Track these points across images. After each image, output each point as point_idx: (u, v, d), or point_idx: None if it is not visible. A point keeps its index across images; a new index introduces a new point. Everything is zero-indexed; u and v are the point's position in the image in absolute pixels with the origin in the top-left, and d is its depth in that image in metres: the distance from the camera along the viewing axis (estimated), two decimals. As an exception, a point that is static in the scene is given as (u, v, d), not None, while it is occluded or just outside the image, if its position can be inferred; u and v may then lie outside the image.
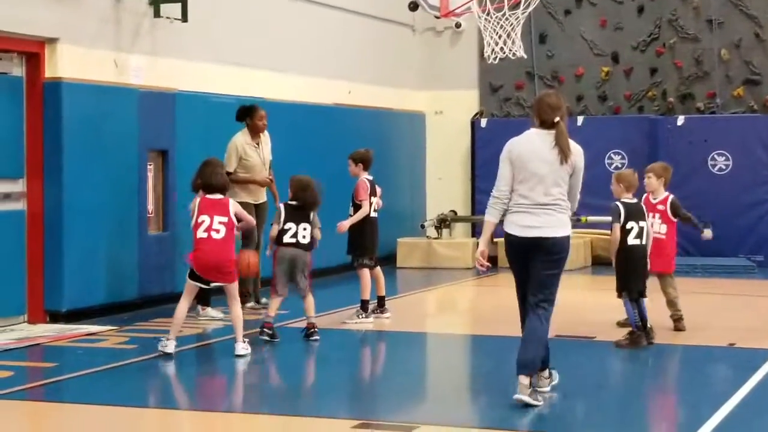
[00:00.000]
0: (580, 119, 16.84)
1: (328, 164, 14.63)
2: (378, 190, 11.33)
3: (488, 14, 14.15)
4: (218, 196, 9.20)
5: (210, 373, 9.03)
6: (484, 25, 14.20)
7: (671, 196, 10.34)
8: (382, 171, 16.35)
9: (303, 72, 14.68)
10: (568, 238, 7.29)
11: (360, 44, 16.13)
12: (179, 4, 11.86)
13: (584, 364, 9.19)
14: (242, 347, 9.09)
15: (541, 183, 7.20)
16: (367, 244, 11.01)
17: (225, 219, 9.08)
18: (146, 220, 11.63)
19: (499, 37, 14.25)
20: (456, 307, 13.41)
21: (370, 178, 11.22)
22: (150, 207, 11.73)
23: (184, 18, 11.91)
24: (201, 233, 9.06)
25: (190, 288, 9.16)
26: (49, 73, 10.76)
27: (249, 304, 11.58)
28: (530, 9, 14.19)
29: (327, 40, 15.31)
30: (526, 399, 7.06)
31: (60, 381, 8.28)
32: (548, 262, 7.20)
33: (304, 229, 9.86)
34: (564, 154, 7.19)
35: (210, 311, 11.18)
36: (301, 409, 7.31)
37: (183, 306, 9.15)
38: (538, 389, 7.34)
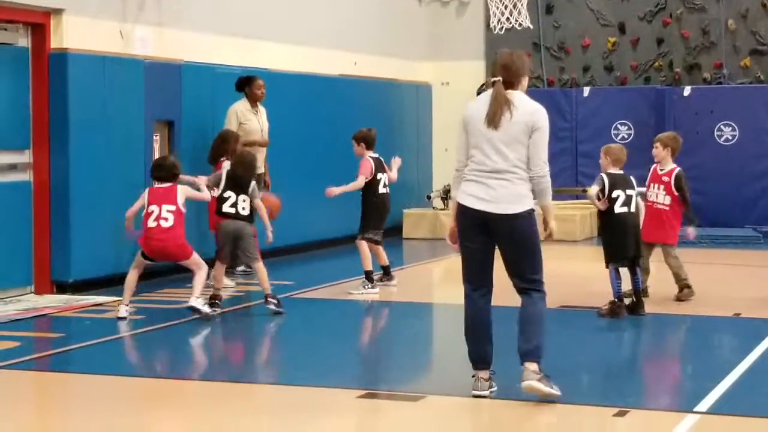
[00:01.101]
0: (586, 90, 16.81)
1: (334, 135, 14.63)
2: (396, 161, 11.52)
3: (494, -16, 14.10)
4: (167, 184, 9.46)
5: (218, 343, 9.06)
6: (491, -5, 14.16)
7: (677, 169, 10.30)
8: (389, 142, 16.34)
9: (309, 43, 14.65)
10: (526, 214, 6.54)
11: (366, 15, 16.08)
12: (185, -25, 11.84)
13: (588, 335, 9.21)
14: (195, 300, 9.33)
15: (493, 147, 6.48)
16: (373, 219, 11.04)
17: (173, 207, 9.36)
18: (152, 191, 11.62)
19: (505, 7, 14.21)
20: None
21: (375, 155, 11.24)
22: (156, 178, 11.72)
23: (190, -11, 11.90)
24: (151, 222, 9.39)
25: (140, 262, 9.52)
26: (54, 44, 10.74)
27: (240, 268, 11.73)
28: (537, -21, 14.14)
29: (333, 11, 15.26)
30: (537, 385, 6.52)
31: (67, 351, 8.32)
32: (511, 243, 6.56)
33: (244, 200, 9.80)
34: (490, 117, 6.47)
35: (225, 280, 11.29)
36: (306, 379, 7.33)
37: (133, 275, 9.49)
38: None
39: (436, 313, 10.83)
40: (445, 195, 16.86)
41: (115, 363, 7.94)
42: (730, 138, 16.14)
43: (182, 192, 9.46)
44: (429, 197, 16.94)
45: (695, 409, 6.43)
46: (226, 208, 9.80)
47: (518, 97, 6.58)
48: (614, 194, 9.55)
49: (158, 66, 11.72)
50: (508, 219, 6.51)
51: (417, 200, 16.82)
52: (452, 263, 13.88)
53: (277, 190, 12.60)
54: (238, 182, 9.81)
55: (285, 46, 14.12)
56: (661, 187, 10.25)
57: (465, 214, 6.61)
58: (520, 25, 14.36)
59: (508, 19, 14.30)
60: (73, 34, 10.82)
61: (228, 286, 11.09)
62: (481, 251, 6.64)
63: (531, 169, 6.51)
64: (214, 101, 12.32)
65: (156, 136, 11.75)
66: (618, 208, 9.55)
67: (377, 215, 11.13)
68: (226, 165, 10.38)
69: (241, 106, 11.99)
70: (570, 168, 16.90)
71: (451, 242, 6.90)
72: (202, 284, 9.45)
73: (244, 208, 9.80)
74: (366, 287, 10.93)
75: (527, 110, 6.54)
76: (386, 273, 11.34)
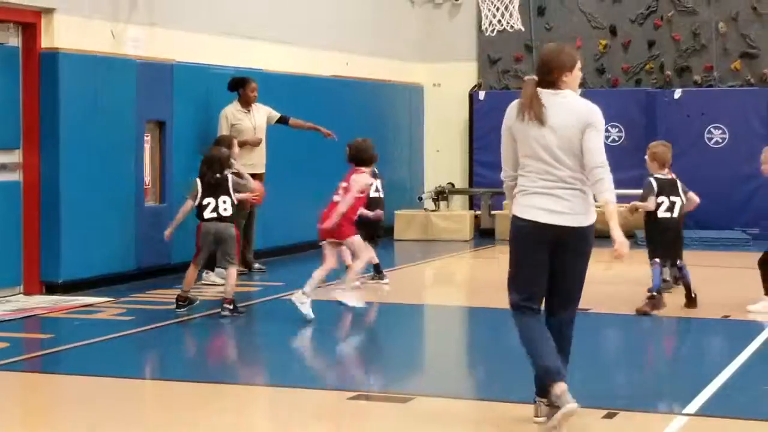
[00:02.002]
0: (578, 92, 16.84)
1: (325, 138, 14.62)
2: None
3: (486, -14, 14.11)
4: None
5: (205, 344, 9.06)
6: (482, -2, 14.17)
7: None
8: (380, 144, 16.32)
9: (301, 43, 14.65)
10: (593, 227, 5.98)
11: (358, 16, 16.09)
12: (176, -25, 11.84)
13: (579, 336, 9.21)
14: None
15: (551, 154, 5.88)
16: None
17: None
18: (143, 191, 11.63)
19: (497, 9, 14.22)
20: (453, 279, 13.44)
21: None
22: (147, 178, 11.73)
23: (182, -11, 11.90)
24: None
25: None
26: (45, 43, 10.73)
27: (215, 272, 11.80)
28: (528, -19, 14.15)
29: (325, 12, 15.27)
30: (575, 406, 5.88)
31: (56, 352, 8.31)
32: (575, 257, 5.97)
33: (224, 201, 9.79)
34: (522, 113, 5.90)
35: (213, 276, 11.43)
36: (297, 379, 7.34)
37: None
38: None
39: (426, 314, 10.84)
40: (437, 196, 16.88)
41: (104, 364, 7.93)
42: (720, 141, 16.18)
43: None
44: (420, 198, 16.95)
45: (684, 411, 6.45)
46: (208, 214, 9.77)
47: (565, 96, 5.95)
48: (659, 200, 9.82)
49: (150, 66, 11.70)
50: (582, 231, 5.92)
51: (408, 201, 16.83)
52: (443, 265, 13.91)
53: (270, 190, 12.61)
54: (211, 185, 9.78)
55: (277, 46, 14.12)
56: None
57: (530, 229, 5.91)
58: (511, 27, 14.37)
59: (499, 21, 14.31)
60: (64, 34, 10.81)
61: (217, 283, 11.16)
62: (542, 266, 6.00)
63: (586, 169, 5.85)
64: (207, 101, 12.32)
65: (147, 136, 11.74)
66: (661, 213, 9.83)
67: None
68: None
69: (232, 108, 12.08)
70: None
71: None
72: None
73: (225, 209, 9.78)
74: (375, 280, 11.39)
75: (576, 108, 5.92)
76: (378, 272, 11.46)
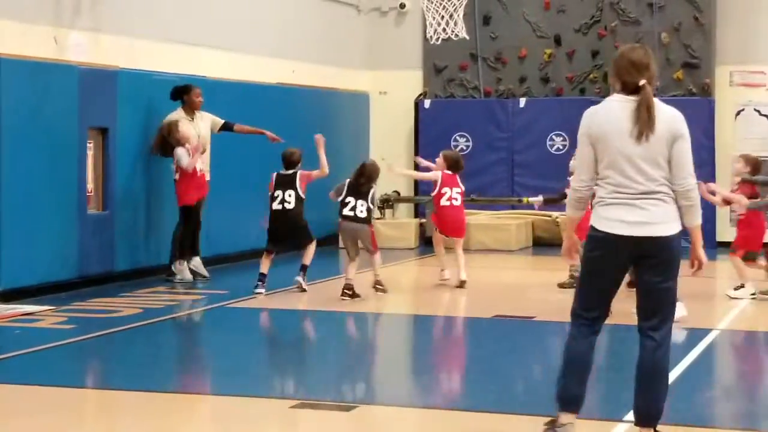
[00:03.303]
0: (522, 101, 16.95)
1: (271, 144, 14.58)
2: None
3: (431, -5, 14.16)
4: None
5: (148, 353, 8.98)
6: (427, 6, 14.20)
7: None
8: (327, 151, 16.30)
9: (246, 50, 14.61)
10: (678, 236, 5.68)
11: (304, 23, 16.07)
12: (120, -19, 11.76)
13: (523, 344, 9.27)
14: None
15: (635, 166, 5.61)
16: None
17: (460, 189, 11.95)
18: (86, 198, 11.51)
19: (442, 18, 14.27)
20: (398, 287, 13.44)
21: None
22: (90, 186, 11.62)
23: (125, -5, 11.82)
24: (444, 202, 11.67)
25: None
26: (-14, 49, 10.61)
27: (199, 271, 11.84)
28: (473, -10, 14.22)
29: (271, 19, 15.23)
30: None
31: (-4, 361, 8.21)
32: (659, 269, 5.63)
33: (362, 205, 11.04)
34: (645, 128, 5.59)
35: (185, 271, 11.80)
36: (239, 388, 7.30)
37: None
38: None
39: (369, 322, 10.84)
40: (382, 204, 16.88)
41: (45, 373, 7.84)
42: (663, 150, 16.35)
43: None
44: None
45: (625, 419, 6.49)
46: (346, 211, 11.08)
47: (656, 103, 5.72)
48: None
49: (93, 72, 11.60)
50: (663, 242, 5.62)
51: (354, 209, 16.80)
52: (388, 273, 13.91)
53: (215, 197, 12.56)
54: (358, 190, 11.09)
55: (222, 53, 14.06)
56: None
57: (607, 242, 5.65)
58: (456, 35, 14.43)
59: (444, 29, 14.36)
60: (5, 40, 10.69)
61: (185, 280, 11.71)
62: (613, 282, 5.77)
63: (676, 183, 5.63)
64: (150, 108, 12.23)
65: (90, 143, 11.63)
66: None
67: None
68: (179, 151, 11.52)
69: (176, 115, 12.03)
70: (506, 178, 17.01)
71: (570, 257, 6.08)
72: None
73: (361, 212, 11.07)
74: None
75: (666, 118, 5.69)
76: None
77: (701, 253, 5.75)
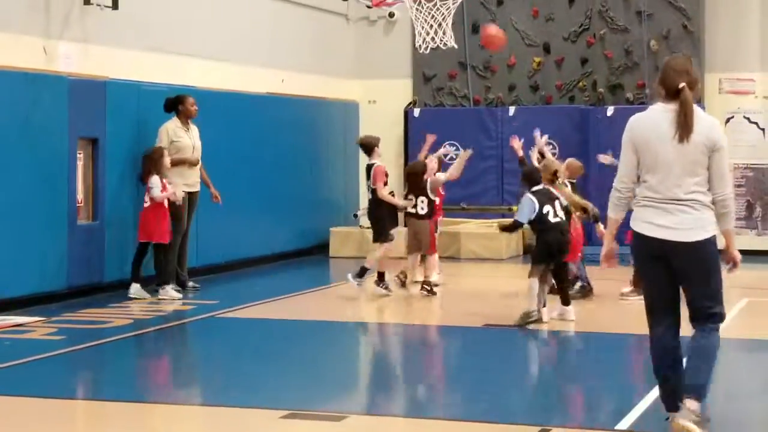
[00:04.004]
0: (512, 109, 16.97)
1: (262, 153, 14.60)
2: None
3: (419, 4, 14.17)
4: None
5: (137, 363, 8.98)
6: (416, 15, 14.22)
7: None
8: (316, 160, 16.36)
9: (236, 60, 14.61)
10: (711, 241, 5.93)
11: (294, 33, 16.09)
12: (110, -8, 11.76)
13: (513, 352, 9.28)
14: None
15: (671, 172, 5.89)
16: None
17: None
18: (75, 209, 11.50)
19: (431, 27, 14.28)
20: (388, 296, 13.44)
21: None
22: (79, 196, 11.61)
23: (115, 5, 11.82)
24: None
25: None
26: (-25, 60, 10.60)
27: (169, 286, 11.72)
28: (461, -1, 14.24)
29: (260, 29, 15.25)
30: (691, 427, 5.86)
31: (-14, 372, 8.19)
32: (691, 272, 5.95)
33: (422, 201, 11.74)
34: (683, 129, 5.83)
35: (170, 290, 11.52)
36: (229, 399, 7.29)
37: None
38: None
39: (360, 332, 10.84)
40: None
41: (35, 384, 7.82)
42: (653, 157, 16.38)
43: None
44: (356, 215, 16.94)
45: (617, 427, 6.50)
46: (409, 209, 11.87)
47: (697, 111, 5.96)
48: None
49: (82, 83, 11.60)
50: (691, 247, 5.89)
51: (344, 218, 16.83)
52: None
53: (205, 207, 12.56)
54: (416, 186, 11.82)
55: (212, 63, 14.07)
56: None
57: (642, 242, 6.01)
58: (444, 44, 14.43)
59: (433, 38, 14.38)
60: (-6, 51, 10.69)
61: (174, 298, 11.40)
62: (665, 279, 6.02)
63: (714, 192, 5.91)
64: (140, 118, 12.23)
65: (80, 153, 11.62)
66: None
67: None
68: (154, 181, 11.29)
69: (173, 124, 12.07)
70: (495, 187, 17.03)
71: (606, 263, 6.27)
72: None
73: (422, 209, 11.74)
74: (380, 286, 11.95)
75: (704, 126, 5.91)
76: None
77: (736, 252, 6.04)
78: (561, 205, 10.13)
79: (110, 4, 11.77)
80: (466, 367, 8.82)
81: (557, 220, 10.03)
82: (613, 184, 6.12)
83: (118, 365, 8.77)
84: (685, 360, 6.07)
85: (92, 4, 11.68)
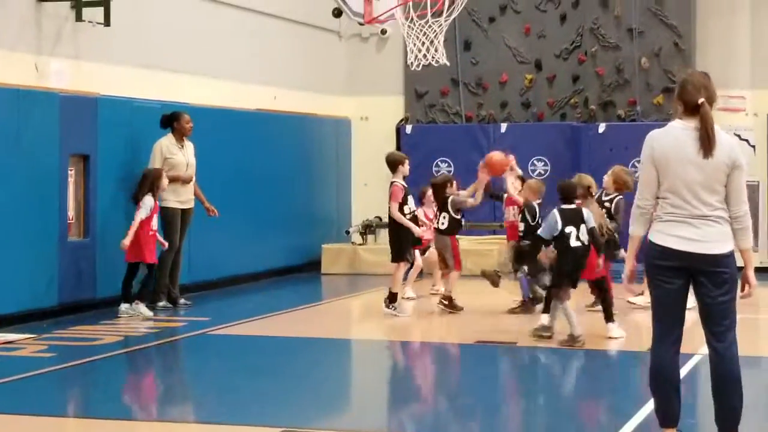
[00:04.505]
0: (503, 126, 16.98)
1: (254, 170, 14.59)
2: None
3: (411, 21, 14.19)
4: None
5: (129, 381, 8.94)
6: (408, 33, 14.24)
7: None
8: (308, 178, 16.36)
9: (228, 77, 14.62)
10: (731, 255, 5.97)
11: (286, 50, 16.10)
12: (102, 8, 11.75)
13: (506, 370, 9.26)
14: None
15: (694, 190, 5.93)
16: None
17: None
18: (66, 226, 11.48)
19: (423, 44, 14.30)
20: (381, 314, 13.43)
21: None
22: (71, 213, 11.58)
23: (107, 22, 11.81)
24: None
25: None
26: (-33, 76, 10.59)
27: (161, 303, 11.70)
28: (453, 16, 14.25)
29: (252, 46, 15.25)
30: None
31: (-24, 390, 8.14)
32: (715, 284, 5.93)
33: (444, 217, 11.76)
34: (706, 146, 5.85)
35: (141, 308, 11.35)
36: (225, 416, 7.26)
37: None
38: None
39: (354, 348, 10.81)
40: (364, 230, 16.88)
41: (26, 402, 7.78)
42: (644, 174, 16.39)
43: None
44: (348, 232, 16.94)
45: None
46: (436, 224, 11.91)
47: (717, 129, 5.98)
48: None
49: (74, 99, 11.59)
50: (718, 259, 5.92)
51: (336, 235, 16.82)
52: (370, 299, 13.91)
53: (197, 224, 12.53)
54: (437, 201, 11.94)
55: (204, 80, 14.07)
56: None
57: (666, 255, 5.96)
58: (436, 61, 14.44)
59: (425, 55, 14.39)
60: (-14, 67, 10.68)
61: (147, 316, 11.22)
62: (679, 293, 6.02)
63: (732, 208, 5.95)
64: (131, 135, 12.22)
65: (71, 170, 11.61)
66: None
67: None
68: (147, 201, 11.22)
69: (167, 141, 12.06)
70: (488, 203, 16.98)
71: (630, 282, 6.24)
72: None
73: (443, 224, 11.75)
74: (390, 308, 11.59)
75: (725, 144, 5.94)
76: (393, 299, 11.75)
77: (752, 275, 6.00)
78: (587, 228, 9.84)
79: (102, 20, 11.77)
80: (459, 384, 8.80)
81: (577, 244, 9.76)
82: (635, 201, 6.09)
83: (108, 383, 8.73)
84: (713, 391, 5.99)
85: (84, 20, 11.68)
